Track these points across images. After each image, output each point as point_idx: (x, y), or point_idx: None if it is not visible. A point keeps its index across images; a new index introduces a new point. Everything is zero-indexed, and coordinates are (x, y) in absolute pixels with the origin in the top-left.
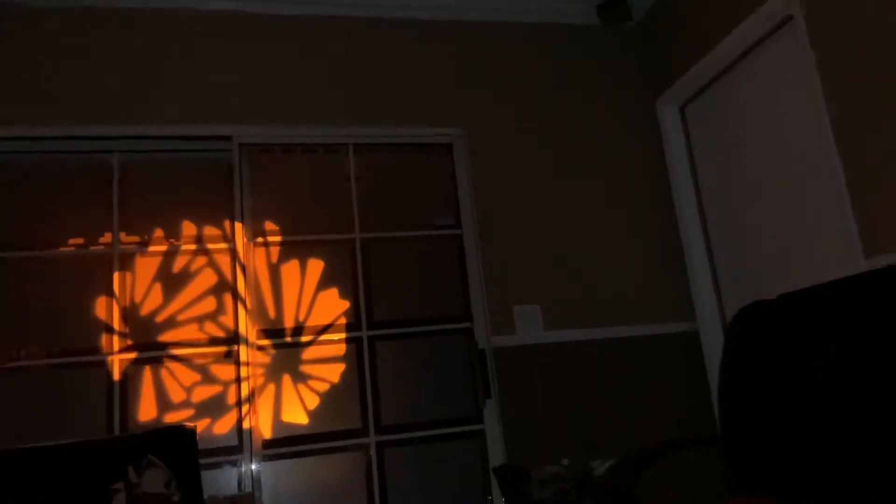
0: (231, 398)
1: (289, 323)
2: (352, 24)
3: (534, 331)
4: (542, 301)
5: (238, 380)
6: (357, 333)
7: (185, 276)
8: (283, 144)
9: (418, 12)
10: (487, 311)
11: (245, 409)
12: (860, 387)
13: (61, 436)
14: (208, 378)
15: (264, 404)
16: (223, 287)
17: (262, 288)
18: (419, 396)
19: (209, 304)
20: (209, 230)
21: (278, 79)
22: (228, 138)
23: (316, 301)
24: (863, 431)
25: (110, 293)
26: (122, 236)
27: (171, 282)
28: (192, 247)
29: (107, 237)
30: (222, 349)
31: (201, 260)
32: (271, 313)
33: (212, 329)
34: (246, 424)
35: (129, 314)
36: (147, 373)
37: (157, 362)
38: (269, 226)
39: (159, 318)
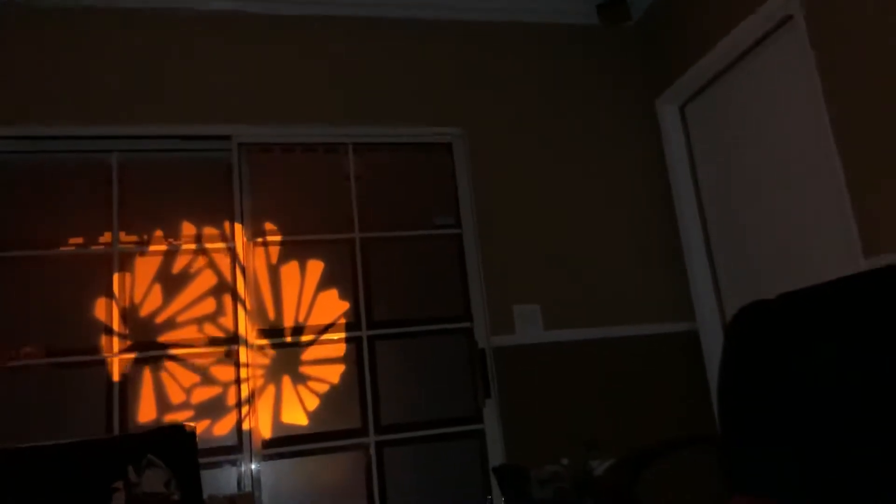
0: (230, 399)
1: (288, 322)
2: (352, 24)
3: (533, 330)
4: (542, 301)
5: (238, 381)
6: (357, 333)
7: (184, 277)
8: (282, 144)
9: (418, 12)
10: (487, 311)
11: (245, 410)
12: (860, 386)
13: (61, 435)
14: (208, 379)
15: (264, 405)
16: (223, 288)
17: (262, 288)
18: (419, 396)
19: (209, 304)
20: (209, 230)
21: (278, 79)
22: (228, 138)
23: (316, 301)
24: (862, 430)
25: (110, 293)
26: (122, 236)
27: (171, 282)
28: (192, 246)
29: (106, 237)
30: (222, 350)
31: (201, 260)
32: (271, 313)
33: (211, 330)
34: (246, 426)
35: (128, 315)
36: (147, 373)
37: (156, 363)
38: (269, 225)
39: (159, 319)
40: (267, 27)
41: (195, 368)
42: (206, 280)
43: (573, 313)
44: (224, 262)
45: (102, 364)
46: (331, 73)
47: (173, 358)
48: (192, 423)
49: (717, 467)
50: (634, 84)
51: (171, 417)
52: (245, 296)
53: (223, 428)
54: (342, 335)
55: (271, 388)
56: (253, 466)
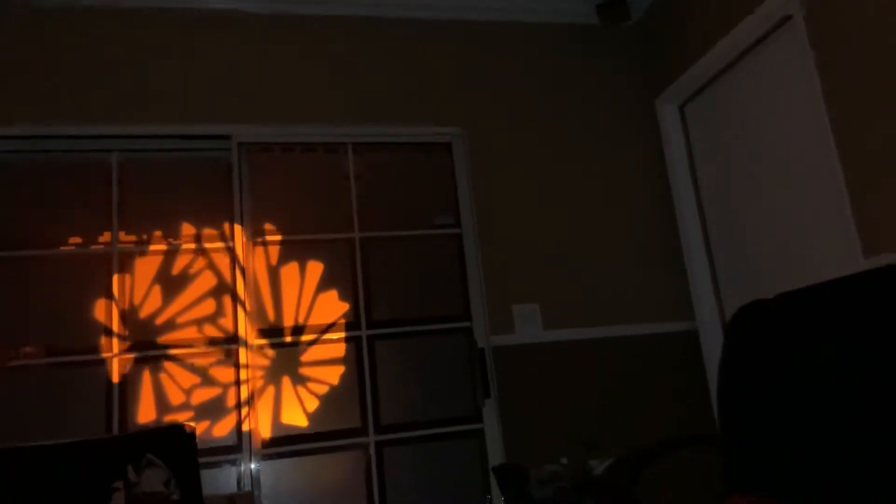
0: (230, 400)
1: (288, 322)
2: (352, 24)
3: (533, 330)
4: (542, 300)
5: (237, 382)
6: (356, 333)
7: (184, 277)
8: (282, 144)
9: (418, 12)
10: (487, 311)
11: (245, 410)
12: (859, 386)
13: (61, 435)
14: (207, 380)
15: (264, 405)
16: (222, 288)
17: (262, 288)
18: (418, 396)
19: (208, 305)
20: (208, 230)
21: (278, 78)
22: (228, 137)
23: (315, 301)
24: (862, 430)
25: (109, 294)
26: (122, 235)
27: (171, 282)
28: (192, 246)
29: (106, 236)
30: (222, 350)
31: (201, 261)
32: (270, 313)
33: (211, 330)
34: (245, 426)
35: (128, 315)
36: (146, 374)
37: (156, 363)
38: (269, 225)
39: (159, 320)
40: (267, 27)
41: (195, 369)
42: (206, 280)
43: (573, 313)
44: (224, 262)
45: (102, 364)
46: (331, 73)
47: (173, 358)
48: (191, 424)
49: (717, 467)
50: (634, 84)
51: (170, 418)
52: (245, 296)
53: (223, 428)
54: (342, 335)
55: (271, 389)
56: (252, 466)
